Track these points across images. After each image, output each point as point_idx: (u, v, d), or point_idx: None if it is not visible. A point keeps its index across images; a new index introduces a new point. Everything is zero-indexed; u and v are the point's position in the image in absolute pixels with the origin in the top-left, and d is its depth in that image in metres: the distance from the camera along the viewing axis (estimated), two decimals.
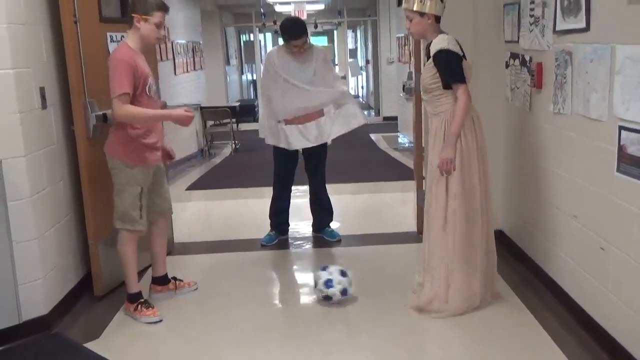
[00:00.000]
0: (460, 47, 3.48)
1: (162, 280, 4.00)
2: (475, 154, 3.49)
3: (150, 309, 3.69)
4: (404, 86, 9.65)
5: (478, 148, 3.51)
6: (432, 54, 3.46)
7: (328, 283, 3.72)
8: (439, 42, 3.42)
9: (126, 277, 3.71)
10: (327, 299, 3.75)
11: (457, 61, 3.43)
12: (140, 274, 4.21)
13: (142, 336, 3.53)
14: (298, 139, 4.70)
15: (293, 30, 4.59)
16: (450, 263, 3.51)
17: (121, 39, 3.97)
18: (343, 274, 3.77)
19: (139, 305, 3.68)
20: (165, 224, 4.02)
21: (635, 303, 2.78)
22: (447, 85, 3.45)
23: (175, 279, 4.05)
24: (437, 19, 3.50)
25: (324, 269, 3.80)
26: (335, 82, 4.84)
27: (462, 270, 3.50)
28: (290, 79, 4.64)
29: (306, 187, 5.12)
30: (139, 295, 3.73)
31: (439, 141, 3.51)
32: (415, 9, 3.45)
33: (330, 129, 4.72)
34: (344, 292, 3.73)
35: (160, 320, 3.65)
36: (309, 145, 4.73)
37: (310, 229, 5.27)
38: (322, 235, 5.10)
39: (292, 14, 12.22)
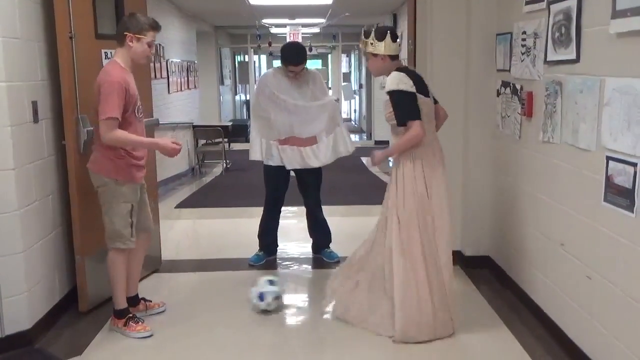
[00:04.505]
0: (419, 80, 3.50)
1: (133, 301, 3.88)
2: (417, 194, 3.51)
3: (139, 323, 3.66)
4: None
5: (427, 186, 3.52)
6: (385, 92, 3.50)
7: (261, 297, 3.91)
8: (390, 83, 3.45)
9: (114, 293, 3.67)
10: (265, 312, 3.93)
11: (408, 100, 3.42)
12: None
13: (126, 353, 3.49)
14: (291, 160, 4.74)
15: (294, 57, 4.65)
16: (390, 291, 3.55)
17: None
18: (271, 283, 3.96)
19: (128, 321, 3.65)
20: (147, 242, 3.96)
21: (620, 331, 2.79)
22: (401, 124, 3.47)
23: (144, 299, 3.97)
24: (393, 57, 3.53)
25: (253, 285, 3.99)
26: (331, 99, 4.94)
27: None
28: (288, 98, 4.69)
29: (296, 208, 5.13)
30: (126, 310, 3.70)
31: (407, 175, 3.57)
32: (368, 50, 3.53)
33: (323, 156, 4.77)
34: (277, 297, 3.95)
35: (151, 335, 3.62)
36: (302, 167, 4.77)
37: (299, 249, 5.29)
38: (321, 256, 5.11)
39: (288, 37, 12.33)
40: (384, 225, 3.63)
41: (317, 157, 4.77)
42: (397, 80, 3.42)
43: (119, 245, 3.59)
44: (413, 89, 3.43)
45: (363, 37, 3.55)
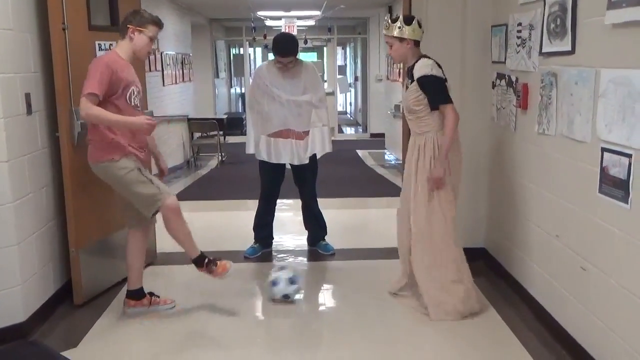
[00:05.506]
0: (441, 69, 3.65)
1: (137, 294, 3.85)
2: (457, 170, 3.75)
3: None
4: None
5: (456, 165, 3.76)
6: (415, 77, 3.60)
7: (275, 282, 3.98)
8: (423, 68, 3.59)
9: (184, 243, 3.78)
10: (286, 297, 3.97)
11: (442, 85, 3.62)
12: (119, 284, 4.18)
13: (122, 345, 3.49)
14: (281, 154, 4.73)
15: (282, 48, 4.61)
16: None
17: (109, 48, 3.97)
18: (292, 281, 3.98)
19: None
20: (147, 232, 3.95)
21: (615, 323, 2.80)
22: (434, 108, 3.61)
23: (152, 294, 3.91)
24: (417, 43, 3.69)
25: (281, 268, 4.09)
26: (322, 95, 4.85)
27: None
28: (281, 93, 4.66)
29: (291, 201, 5.12)
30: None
31: (428, 156, 3.67)
32: (395, 35, 3.63)
33: (303, 152, 4.75)
34: (286, 296, 3.97)
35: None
36: (295, 162, 4.76)
37: (294, 242, 5.29)
38: (317, 248, 5.11)
39: (283, 29, 12.28)
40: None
41: (299, 155, 4.75)
42: (430, 66, 3.59)
43: (158, 204, 3.53)
44: (443, 77, 3.63)
45: (390, 22, 3.66)
